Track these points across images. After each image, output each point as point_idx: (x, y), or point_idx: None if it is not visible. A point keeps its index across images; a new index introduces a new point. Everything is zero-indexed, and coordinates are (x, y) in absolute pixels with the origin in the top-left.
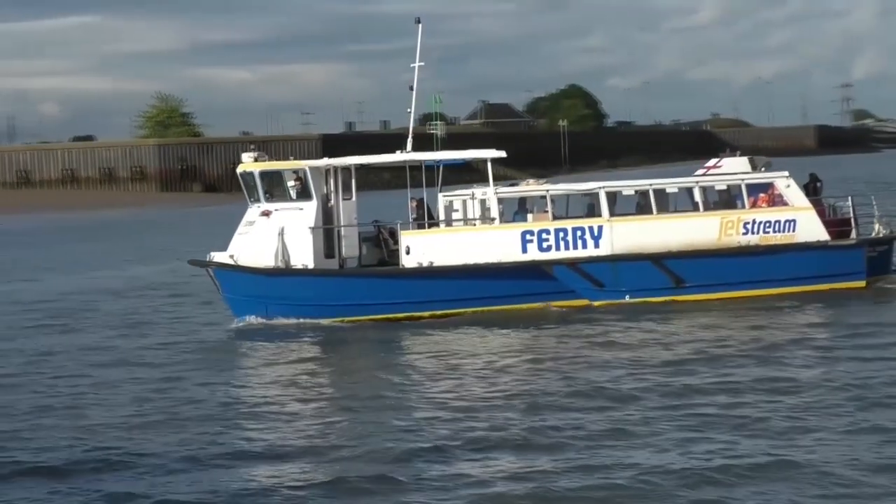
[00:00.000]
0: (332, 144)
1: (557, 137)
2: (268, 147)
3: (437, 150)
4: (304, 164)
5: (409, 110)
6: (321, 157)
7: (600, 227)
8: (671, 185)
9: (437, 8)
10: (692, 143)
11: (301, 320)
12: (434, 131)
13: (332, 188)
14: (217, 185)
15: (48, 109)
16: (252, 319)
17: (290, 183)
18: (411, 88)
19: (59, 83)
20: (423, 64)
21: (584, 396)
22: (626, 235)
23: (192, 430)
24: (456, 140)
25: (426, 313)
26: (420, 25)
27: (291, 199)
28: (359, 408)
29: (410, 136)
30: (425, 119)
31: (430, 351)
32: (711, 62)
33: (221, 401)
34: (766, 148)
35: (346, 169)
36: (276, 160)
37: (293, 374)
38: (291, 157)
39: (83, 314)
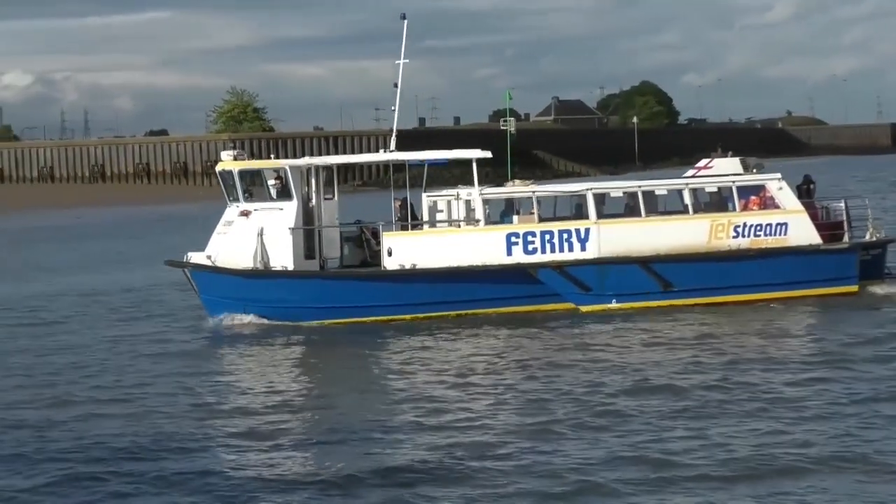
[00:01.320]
0: (404, 140)
1: (630, 134)
2: (339, 142)
3: (509, 146)
4: (285, 163)
5: (392, 108)
6: (393, 152)
7: (587, 230)
8: (660, 186)
9: (514, 4)
10: (766, 141)
11: (280, 323)
12: (505, 127)
13: (314, 188)
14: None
15: (123, 104)
16: (228, 321)
17: (271, 182)
18: (396, 86)
19: (133, 78)
20: (407, 61)
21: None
22: (613, 238)
23: (166, 445)
24: (526, 136)
25: (408, 316)
26: (406, 22)
27: (271, 199)
28: (336, 414)
29: (394, 134)
30: (497, 115)
31: (411, 355)
32: (786, 59)
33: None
34: (841, 146)
35: (327, 168)
36: (350, 154)
37: (269, 381)
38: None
39: (150, 305)
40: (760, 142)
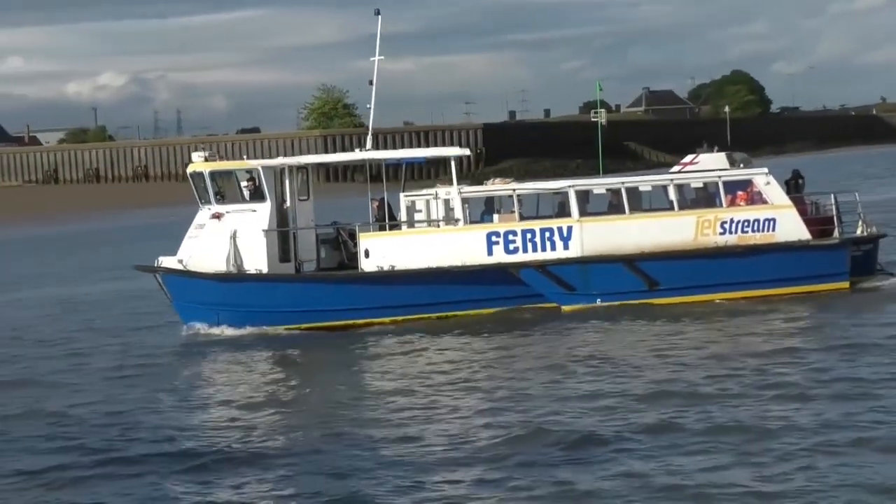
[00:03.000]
0: (493, 133)
1: (721, 124)
2: (429, 136)
3: (600, 138)
4: (257, 163)
5: (368, 106)
6: (482, 146)
7: (570, 228)
8: (644, 183)
9: None
10: (860, 129)
11: (254, 328)
12: (596, 119)
13: (288, 189)
14: (380, 176)
15: (215, 103)
16: (202, 327)
17: (243, 184)
18: (371, 83)
19: (225, 76)
20: (382, 58)
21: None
22: (597, 236)
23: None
24: (617, 127)
25: (387, 319)
26: (380, 17)
27: (244, 201)
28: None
29: (370, 133)
30: (587, 107)
31: (390, 360)
32: (879, 46)
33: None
34: None
35: (301, 168)
36: (439, 147)
37: (247, 389)
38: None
39: None
40: (855, 129)
